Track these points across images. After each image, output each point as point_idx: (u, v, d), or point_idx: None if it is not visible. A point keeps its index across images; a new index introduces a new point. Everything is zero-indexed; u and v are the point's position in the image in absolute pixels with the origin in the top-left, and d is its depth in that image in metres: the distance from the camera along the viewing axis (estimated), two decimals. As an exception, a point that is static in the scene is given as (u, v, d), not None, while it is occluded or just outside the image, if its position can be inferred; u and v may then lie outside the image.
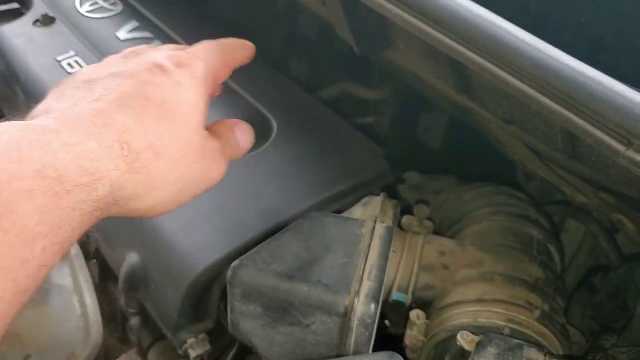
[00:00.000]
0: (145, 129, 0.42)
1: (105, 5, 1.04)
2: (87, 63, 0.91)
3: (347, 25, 0.65)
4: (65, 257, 0.82)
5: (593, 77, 0.42)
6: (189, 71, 0.47)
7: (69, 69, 0.91)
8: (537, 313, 0.60)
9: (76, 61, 0.92)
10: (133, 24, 0.99)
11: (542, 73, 0.43)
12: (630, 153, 0.40)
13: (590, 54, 0.55)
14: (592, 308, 0.74)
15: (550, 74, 0.42)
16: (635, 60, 0.52)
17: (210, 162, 0.48)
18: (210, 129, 0.50)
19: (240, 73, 0.89)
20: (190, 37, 0.95)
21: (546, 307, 0.61)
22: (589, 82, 0.41)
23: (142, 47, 0.51)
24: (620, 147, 0.40)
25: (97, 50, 0.94)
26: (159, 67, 0.46)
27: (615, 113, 0.40)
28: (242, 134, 0.53)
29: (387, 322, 0.71)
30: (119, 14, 1.02)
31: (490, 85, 0.53)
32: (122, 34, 0.97)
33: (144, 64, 0.46)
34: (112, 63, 0.48)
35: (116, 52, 0.92)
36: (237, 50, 0.56)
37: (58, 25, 1.00)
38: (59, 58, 0.93)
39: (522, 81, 0.44)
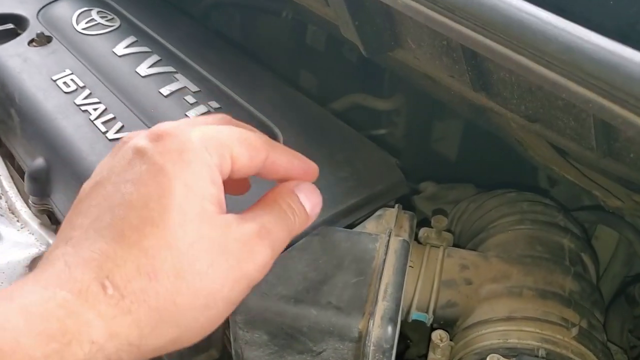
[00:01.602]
0: (128, 249, 0.34)
1: (103, 22, 1.01)
2: (84, 81, 0.88)
3: (352, 24, 0.61)
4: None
5: (631, 57, 0.36)
6: (171, 143, 0.38)
7: (65, 88, 0.87)
8: (574, 331, 0.54)
9: (72, 79, 0.89)
10: (131, 39, 0.95)
11: (571, 57, 0.38)
12: (681, 143, 0.35)
13: (620, 41, 0.50)
14: (631, 323, 0.69)
15: (582, 56, 0.37)
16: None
17: (240, 254, 0.38)
18: (263, 200, 0.42)
19: (241, 81, 0.86)
20: (191, 51, 0.94)
21: (584, 323, 0.55)
22: (628, 64, 0.36)
23: (132, 133, 0.42)
24: (668, 137, 0.35)
25: (94, 67, 0.91)
26: (137, 152, 0.38)
27: (661, 98, 0.35)
28: (307, 196, 0.44)
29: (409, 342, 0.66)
30: (116, 29, 0.99)
31: (512, 77, 0.48)
32: (119, 49, 0.93)
33: (124, 157, 0.38)
34: (101, 167, 0.40)
35: (112, 67, 0.90)
36: (282, 147, 0.46)
37: (54, 44, 0.97)
38: (54, 77, 0.90)
39: (549, 68, 0.39)
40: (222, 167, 0.40)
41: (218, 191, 0.39)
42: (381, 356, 0.51)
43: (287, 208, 0.43)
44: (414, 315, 0.61)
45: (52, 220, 0.84)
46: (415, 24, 0.54)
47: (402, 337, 0.74)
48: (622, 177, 0.56)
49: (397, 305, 0.53)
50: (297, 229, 0.44)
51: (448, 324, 0.61)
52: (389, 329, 0.51)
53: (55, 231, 0.82)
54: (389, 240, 0.58)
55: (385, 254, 0.57)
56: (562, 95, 0.40)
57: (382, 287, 0.54)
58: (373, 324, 0.51)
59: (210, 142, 0.39)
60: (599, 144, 0.47)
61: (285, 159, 0.45)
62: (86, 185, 0.40)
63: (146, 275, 0.34)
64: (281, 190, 0.44)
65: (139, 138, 0.39)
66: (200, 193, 0.37)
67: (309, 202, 0.44)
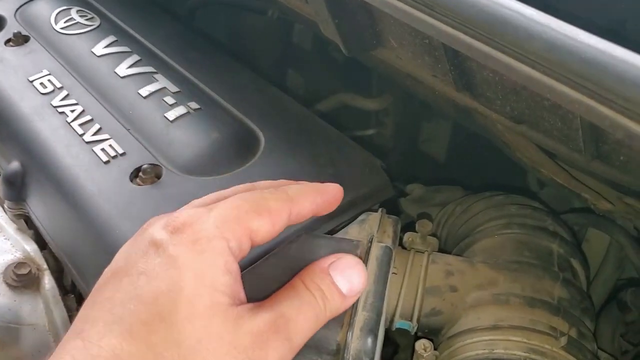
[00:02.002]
0: (136, 345, 0.33)
1: (82, 21, 0.98)
2: (61, 82, 0.85)
3: (331, 22, 0.58)
4: (38, 291, 0.75)
5: (621, 57, 0.34)
6: (188, 235, 0.37)
7: (42, 90, 0.85)
8: (563, 340, 0.52)
9: (49, 80, 0.86)
10: (110, 38, 0.93)
11: (557, 55, 0.36)
12: (672, 147, 0.33)
13: (609, 39, 0.48)
14: (623, 328, 0.67)
15: (568, 55, 0.35)
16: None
17: (251, 351, 0.36)
18: (290, 283, 0.40)
19: (223, 82, 0.84)
20: (172, 51, 0.91)
21: (573, 332, 0.54)
22: (617, 63, 0.34)
23: (153, 219, 0.40)
24: (659, 140, 0.33)
25: (72, 68, 0.88)
26: (154, 245, 0.37)
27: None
28: (343, 274, 0.41)
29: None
30: (95, 29, 0.96)
31: (496, 77, 0.46)
32: (98, 49, 0.91)
33: (141, 247, 0.38)
34: (120, 254, 0.39)
35: (91, 68, 0.88)
36: (302, 194, 0.43)
37: (32, 44, 0.95)
38: (31, 78, 0.87)
39: (533, 67, 0.37)
40: (241, 247, 0.39)
41: (232, 280, 0.37)
42: (361, 369, 0.49)
43: (315, 290, 0.40)
44: (398, 323, 0.59)
45: (28, 225, 0.81)
46: (396, 22, 0.52)
47: (390, 341, 0.72)
48: (612, 180, 0.54)
49: (378, 316, 0.51)
50: (328, 315, 0.40)
51: (433, 333, 0.59)
52: (369, 340, 0.49)
53: (32, 236, 0.80)
54: (369, 247, 0.56)
55: (366, 261, 0.54)
56: (547, 95, 0.37)
57: (362, 296, 0.51)
58: (352, 336, 0.48)
59: (227, 225, 0.38)
60: (587, 146, 0.45)
61: (309, 204, 0.43)
62: (104, 274, 0.39)
63: None
64: (312, 270, 0.42)
65: (157, 228, 0.38)
66: (212, 284, 0.36)
67: (346, 281, 0.41)
